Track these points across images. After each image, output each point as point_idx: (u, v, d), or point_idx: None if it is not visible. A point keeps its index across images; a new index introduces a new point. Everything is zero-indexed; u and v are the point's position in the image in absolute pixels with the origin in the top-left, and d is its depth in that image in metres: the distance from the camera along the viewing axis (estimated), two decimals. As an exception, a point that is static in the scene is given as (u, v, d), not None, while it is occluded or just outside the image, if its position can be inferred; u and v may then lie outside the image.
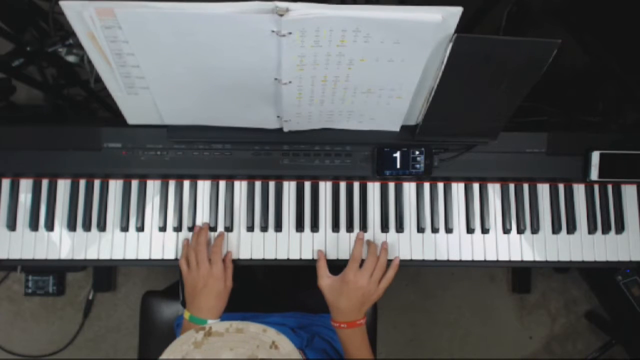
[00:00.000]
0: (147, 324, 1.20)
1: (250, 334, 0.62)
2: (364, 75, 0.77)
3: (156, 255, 0.99)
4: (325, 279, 0.93)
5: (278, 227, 0.99)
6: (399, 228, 1.00)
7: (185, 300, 0.94)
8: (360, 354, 0.92)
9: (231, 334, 0.62)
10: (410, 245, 1.00)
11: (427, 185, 1.02)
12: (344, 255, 0.99)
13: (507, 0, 1.32)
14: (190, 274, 0.92)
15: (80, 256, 0.98)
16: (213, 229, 0.99)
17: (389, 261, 0.96)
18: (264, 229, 0.99)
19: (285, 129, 0.91)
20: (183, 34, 0.68)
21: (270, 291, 0.98)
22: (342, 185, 1.01)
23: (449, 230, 1.01)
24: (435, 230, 1.01)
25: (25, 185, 0.99)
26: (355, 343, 0.92)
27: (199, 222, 0.99)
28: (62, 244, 0.98)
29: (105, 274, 1.79)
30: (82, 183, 0.99)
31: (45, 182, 0.99)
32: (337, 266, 0.99)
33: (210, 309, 0.90)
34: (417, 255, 1.00)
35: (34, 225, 0.98)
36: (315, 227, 0.99)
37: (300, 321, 1.05)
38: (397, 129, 0.94)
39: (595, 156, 0.98)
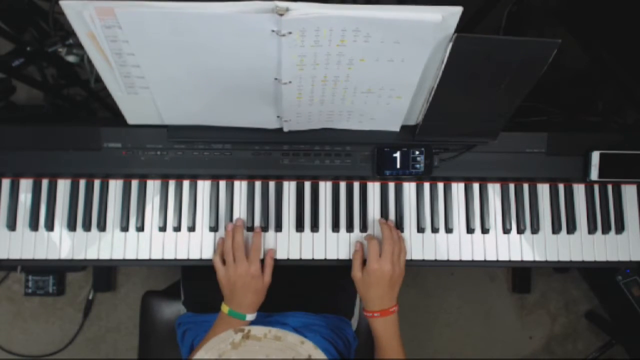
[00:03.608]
0: (147, 324, 1.20)
1: (288, 344, 0.63)
2: (364, 75, 0.77)
3: (156, 255, 0.98)
4: (357, 272, 0.94)
5: (278, 227, 0.99)
6: (399, 228, 1.00)
7: (223, 295, 0.94)
8: (390, 346, 0.92)
9: (269, 341, 0.62)
10: (410, 245, 1.00)
11: (427, 185, 1.02)
12: (344, 255, 0.99)
13: (507, 0, 1.32)
14: (227, 271, 0.93)
15: (80, 256, 0.98)
16: (213, 229, 0.99)
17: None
18: (264, 229, 0.99)
19: (285, 129, 0.91)
20: (183, 33, 0.68)
21: (272, 291, 0.98)
22: (342, 185, 1.01)
23: (449, 230, 1.01)
24: (435, 230, 1.01)
25: (25, 185, 0.99)
26: (387, 334, 0.92)
27: (198, 222, 0.99)
28: (62, 244, 0.98)
29: (105, 274, 1.78)
30: (82, 183, 0.99)
31: (45, 182, 0.99)
32: (337, 266, 1.00)
33: (250, 304, 0.93)
34: (417, 255, 1.00)
35: (34, 225, 0.98)
36: (315, 227, 0.99)
37: (302, 321, 1.05)
38: (397, 129, 0.94)
39: (595, 156, 0.98)
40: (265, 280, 0.94)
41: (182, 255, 0.99)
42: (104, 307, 1.81)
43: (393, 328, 0.93)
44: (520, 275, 1.87)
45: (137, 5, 0.65)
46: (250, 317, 0.93)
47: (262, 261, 0.96)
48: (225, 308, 0.93)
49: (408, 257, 0.99)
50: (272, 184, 1.00)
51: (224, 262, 0.94)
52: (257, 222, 0.99)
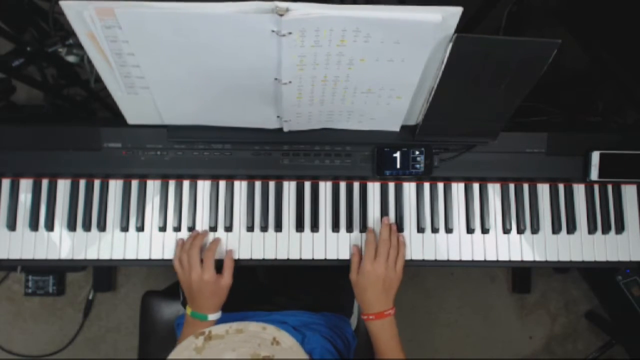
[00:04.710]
0: (147, 324, 1.20)
1: (251, 333, 0.62)
2: (364, 75, 0.77)
3: (156, 255, 0.99)
4: (354, 275, 0.95)
5: (278, 227, 0.99)
6: (399, 228, 1.00)
7: (185, 297, 0.95)
8: (389, 348, 0.92)
9: (232, 335, 0.62)
10: (410, 245, 1.00)
11: (427, 185, 1.02)
12: (344, 255, 0.99)
13: (507, 0, 1.32)
14: (183, 275, 0.94)
15: (80, 256, 0.98)
16: (213, 229, 0.99)
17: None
18: (264, 229, 0.99)
19: (285, 129, 0.91)
20: (183, 33, 0.68)
21: (272, 290, 0.98)
22: (342, 185, 1.01)
23: (449, 230, 1.01)
24: (435, 230, 1.01)
25: (25, 185, 0.99)
26: (384, 336, 0.92)
27: (198, 222, 0.99)
28: (62, 244, 0.98)
29: (105, 274, 1.79)
30: (82, 183, 0.99)
31: (45, 182, 0.99)
32: (337, 266, 1.00)
33: (209, 306, 0.93)
34: (417, 255, 1.00)
35: (34, 225, 0.98)
36: (315, 227, 0.99)
37: (302, 320, 1.05)
38: (397, 129, 0.94)
39: (595, 156, 0.98)
40: (225, 281, 0.94)
41: (182, 255, 0.99)
42: (104, 307, 1.81)
43: (390, 331, 0.93)
44: (520, 275, 1.87)
45: (137, 6, 0.65)
46: (213, 316, 0.93)
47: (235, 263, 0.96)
48: (188, 309, 0.94)
49: (408, 257, 0.99)
50: (272, 184, 1.00)
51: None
52: (257, 222, 0.99)
